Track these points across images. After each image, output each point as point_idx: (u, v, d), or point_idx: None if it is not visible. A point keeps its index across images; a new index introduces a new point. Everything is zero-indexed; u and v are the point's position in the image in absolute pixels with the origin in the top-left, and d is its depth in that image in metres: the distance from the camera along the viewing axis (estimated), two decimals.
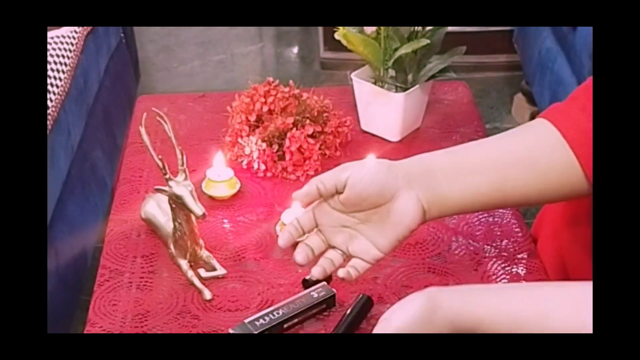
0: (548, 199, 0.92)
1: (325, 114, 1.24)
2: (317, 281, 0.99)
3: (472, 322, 0.77)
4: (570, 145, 0.85)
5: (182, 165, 0.99)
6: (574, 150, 0.85)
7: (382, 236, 0.86)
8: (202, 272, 1.03)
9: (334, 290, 0.98)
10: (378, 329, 0.80)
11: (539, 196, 0.89)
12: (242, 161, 1.21)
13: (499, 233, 1.09)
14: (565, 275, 1.02)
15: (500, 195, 0.87)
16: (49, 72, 1.75)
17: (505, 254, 1.05)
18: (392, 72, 1.24)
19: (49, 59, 1.78)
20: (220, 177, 1.16)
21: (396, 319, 0.79)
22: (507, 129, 0.92)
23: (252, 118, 1.21)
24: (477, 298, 0.78)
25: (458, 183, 0.86)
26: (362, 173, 0.85)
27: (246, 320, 0.94)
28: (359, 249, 0.86)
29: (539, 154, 0.87)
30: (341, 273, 0.87)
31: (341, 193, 0.85)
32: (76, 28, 1.95)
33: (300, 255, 0.87)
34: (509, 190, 0.87)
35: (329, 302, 0.98)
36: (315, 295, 0.97)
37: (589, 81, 0.88)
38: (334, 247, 0.88)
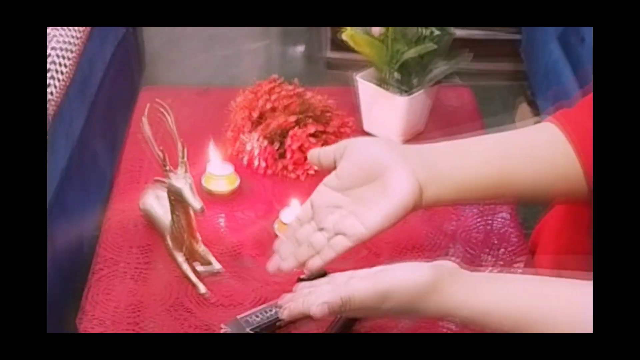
0: (545, 193, 0.89)
1: (328, 114, 1.24)
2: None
3: (470, 315, 0.76)
4: (571, 141, 0.84)
5: (183, 158, 0.98)
6: (574, 147, 0.84)
7: (371, 211, 0.83)
8: (198, 267, 1.02)
9: None
10: (371, 281, 0.78)
11: (536, 188, 0.87)
12: (242, 157, 1.20)
13: (496, 241, 1.09)
14: None
15: (499, 180, 0.85)
16: (54, 59, 1.75)
17: (501, 262, 1.05)
18: (397, 75, 1.24)
19: (55, 45, 1.78)
20: (221, 172, 1.16)
21: (395, 287, 0.77)
22: None
23: (255, 114, 1.21)
24: (482, 291, 0.77)
25: (458, 162, 0.85)
26: (360, 143, 0.87)
27: (239, 317, 0.94)
28: (344, 225, 0.84)
29: (539, 143, 0.87)
30: (310, 263, 0.87)
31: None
32: None
33: (271, 266, 0.90)
34: (509, 178, 0.86)
35: None
36: None
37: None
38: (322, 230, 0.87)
